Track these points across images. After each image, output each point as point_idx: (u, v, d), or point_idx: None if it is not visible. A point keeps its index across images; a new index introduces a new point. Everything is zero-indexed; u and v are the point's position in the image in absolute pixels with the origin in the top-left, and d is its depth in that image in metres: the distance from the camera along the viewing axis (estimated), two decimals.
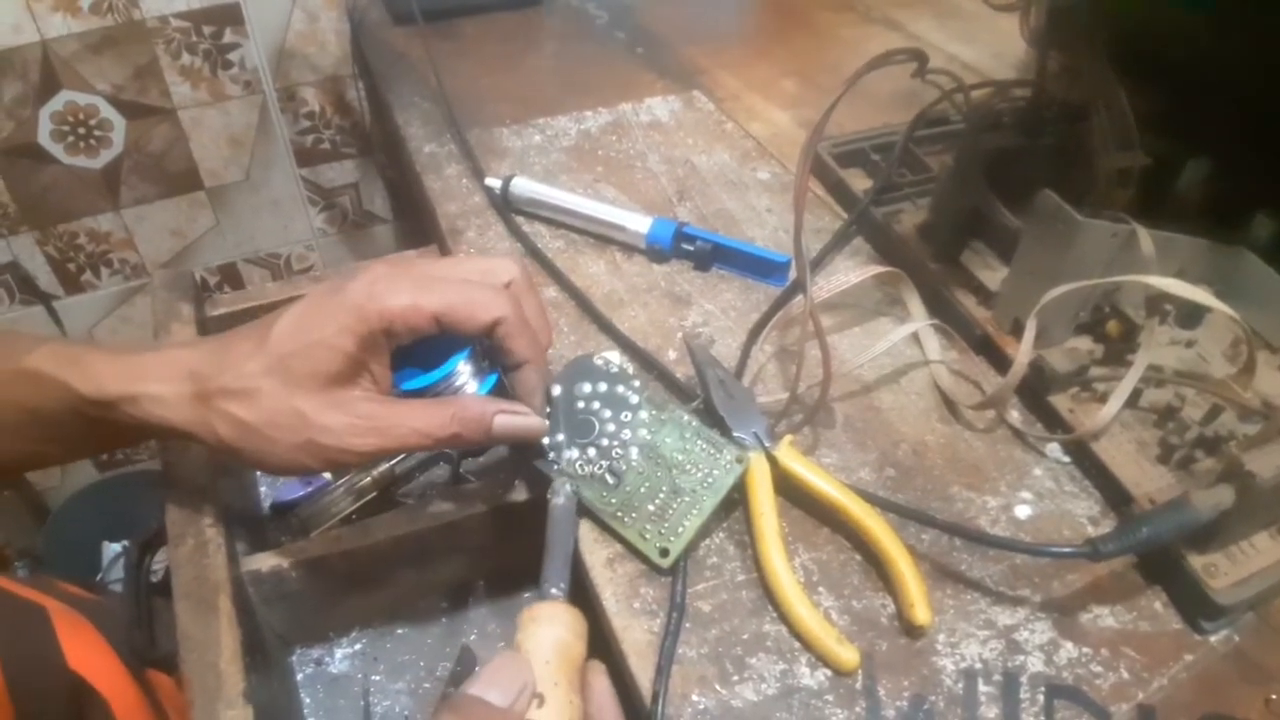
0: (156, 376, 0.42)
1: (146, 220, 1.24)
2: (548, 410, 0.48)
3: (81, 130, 1.13)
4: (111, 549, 1.37)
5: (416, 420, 0.43)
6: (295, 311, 0.42)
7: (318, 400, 0.41)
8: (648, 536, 0.45)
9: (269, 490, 0.68)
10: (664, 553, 0.45)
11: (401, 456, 0.65)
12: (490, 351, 0.46)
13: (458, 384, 0.46)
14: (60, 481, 1.45)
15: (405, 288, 0.42)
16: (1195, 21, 0.54)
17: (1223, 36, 0.53)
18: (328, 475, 0.67)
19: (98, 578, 1.33)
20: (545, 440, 0.48)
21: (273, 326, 0.42)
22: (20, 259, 1.21)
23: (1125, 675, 0.42)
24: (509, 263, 0.47)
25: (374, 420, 0.42)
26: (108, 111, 1.13)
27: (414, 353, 0.46)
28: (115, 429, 0.43)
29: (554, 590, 0.41)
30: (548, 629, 0.38)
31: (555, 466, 0.48)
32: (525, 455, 0.49)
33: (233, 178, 1.25)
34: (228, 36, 1.13)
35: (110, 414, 0.42)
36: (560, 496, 0.46)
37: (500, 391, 0.47)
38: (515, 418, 0.45)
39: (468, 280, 0.44)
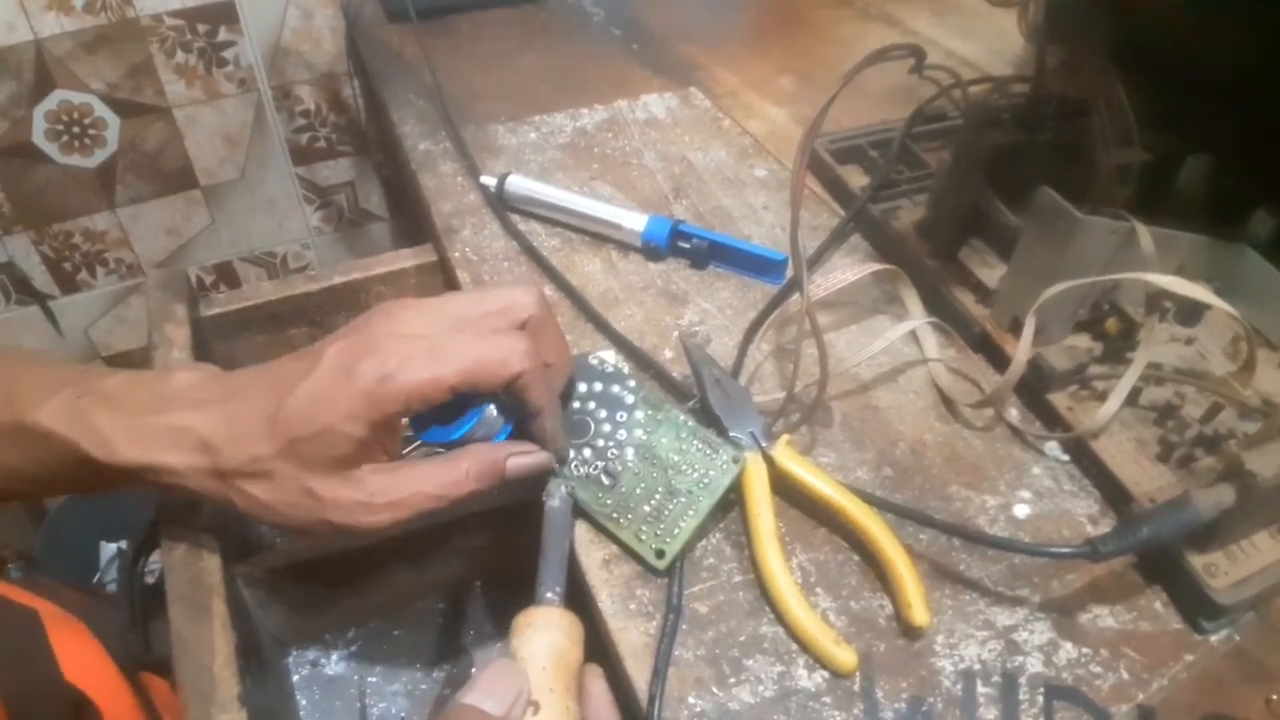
0: (169, 445, 0.41)
1: (142, 219, 1.23)
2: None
3: (76, 129, 1.13)
4: (109, 549, 1.37)
5: (429, 484, 0.42)
6: (306, 389, 0.40)
7: (330, 481, 0.41)
8: (643, 538, 0.45)
9: None
10: (660, 554, 0.44)
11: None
12: (507, 399, 0.45)
13: (479, 435, 0.45)
14: None
15: (419, 363, 0.40)
16: (1194, 17, 0.54)
17: (1222, 32, 0.53)
18: None
19: (95, 579, 1.32)
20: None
21: (283, 403, 0.40)
22: (15, 259, 1.20)
23: (1125, 676, 0.41)
24: (527, 296, 0.45)
25: (388, 494, 0.42)
26: (102, 110, 1.12)
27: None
28: (126, 483, 0.43)
29: (549, 594, 0.40)
30: (543, 634, 0.38)
31: (552, 469, 0.47)
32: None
33: (228, 176, 1.24)
34: (222, 34, 1.12)
35: (123, 478, 0.42)
36: (555, 499, 0.45)
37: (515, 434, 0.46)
38: (527, 458, 0.45)
39: (481, 334, 0.42)
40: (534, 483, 0.46)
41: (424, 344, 0.41)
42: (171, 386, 0.44)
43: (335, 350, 0.41)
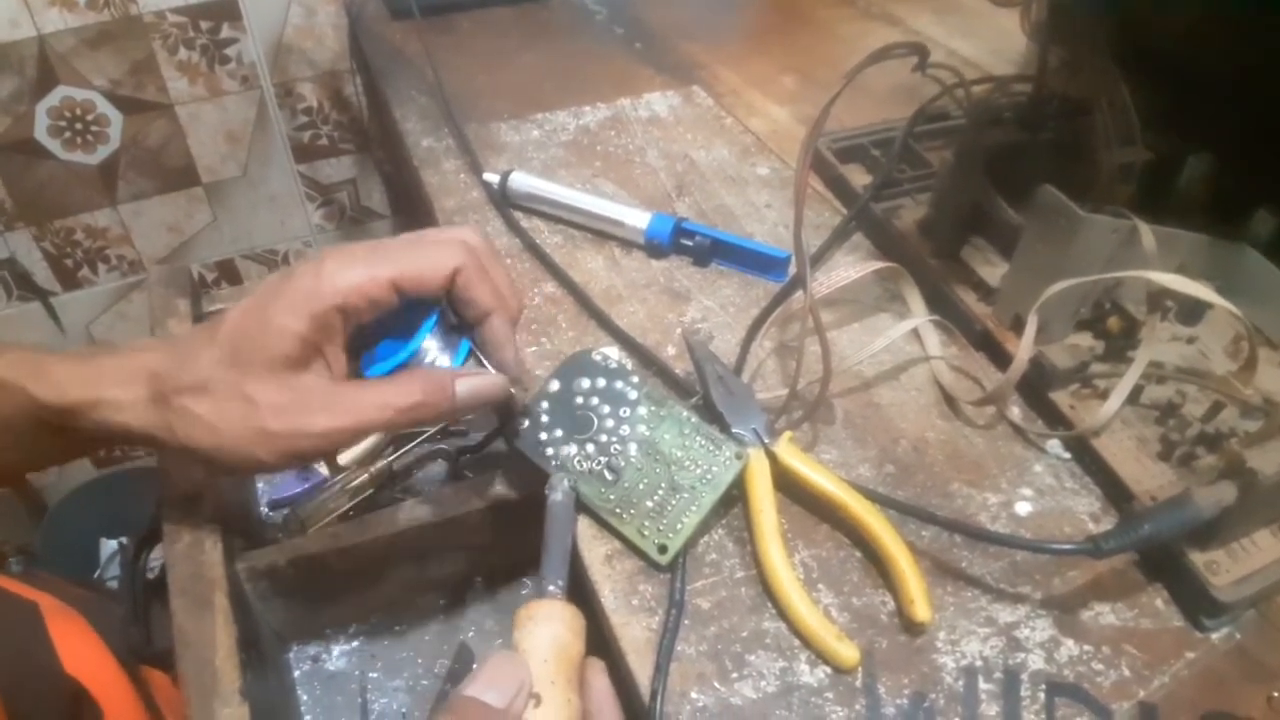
0: (115, 380, 0.41)
1: (143, 216, 1.24)
2: (533, 393, 0.47)
3: (78, 126, 1.13)
4: (109, 546, 1.37)
5: (374, 394, 0.41)
6: (247, 300, 0.41)
7: (268, 385, 0.40)
8: (646, 533, 0.45)
9: (265, 488, 0.68)
10: (662, 549, 0.45)
11: (398, 453, 0.65)
12: (455, 309, 0.44)
13: (427, 360, 0.44)
14: (57, 479, 1.45)
15: (357, 262, 0.41)
16: (1196, 16, 0.54)
17: (1224, 32, 0.53)
18: (324, 471, 0.67)
19: (95, 575, 1.33)
20: (528, 423, 0.48)
21: (225, 317, 0.41)
22: (17, 255, 1.21)
23: (1126, 673, 0.42)
24: (467, 229, 0.45)
25: (328, 398, 0.41)
26: (104, 107, 1.13)
27: (384, 332, 0.44)
28: (77, 436, 0.43)
29: (551, 587, 0.40)
30: (545, 627, 0.38)
31: (554, 463, 0.48)
32: (505, 435, 0.49)
33: (230, 173, 1.24)
34: (225, 31, 1.12)
35: (71, 421, 0.41)
36: (558, 492, 0.45)
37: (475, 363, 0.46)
38: (476, 379, 0.43)
39: (419, 237, 0.43)
40: (530, 473, 0.46)
41: (362, 249, 0.42)
42: (129, 343, 0.44)
43: (276, 271, 0.42)
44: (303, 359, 0.41)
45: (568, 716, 0.36)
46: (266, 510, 0.66)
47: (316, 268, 0.40)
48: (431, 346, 0.44)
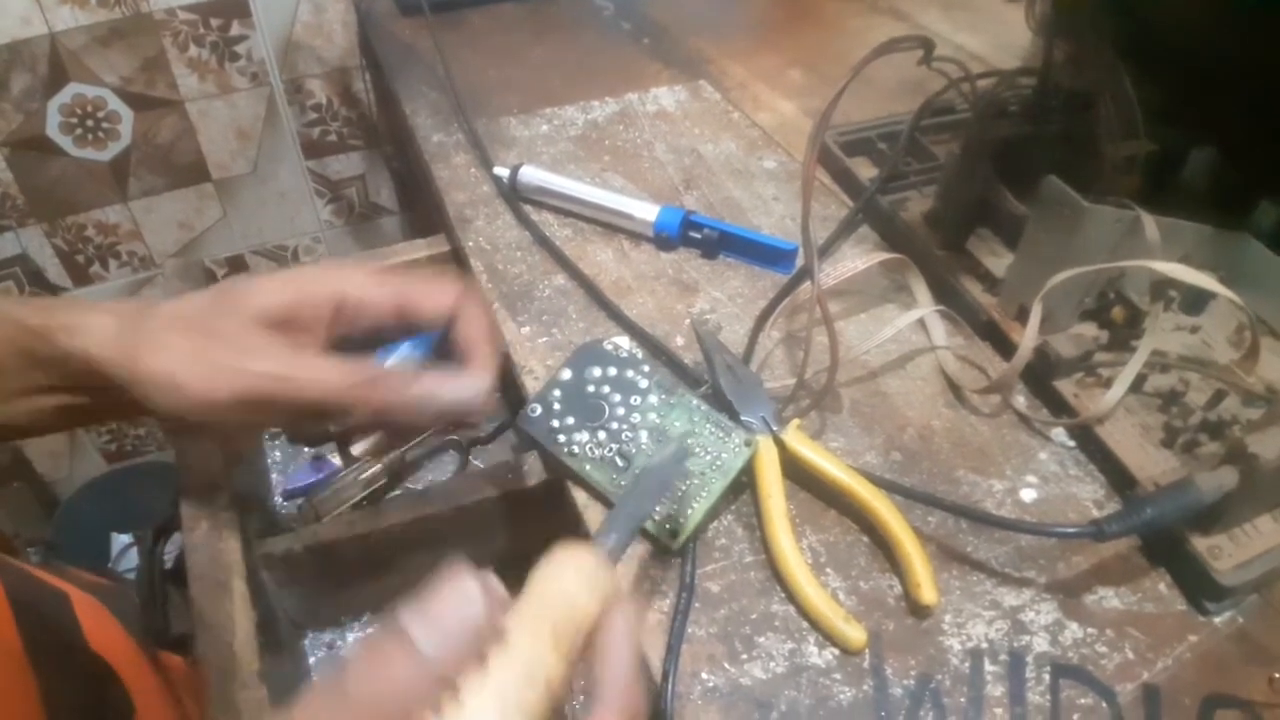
0: (103, 310, 0.42)
1: (154, 212, 1.25)
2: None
3: (90, 123, 1.14)
4: (120, 540, 1.38)
5: (324, 362, 0.41)
6: (244, 275, 0.43)
7: (235, 325, 0.40)
8: (657, 518, 0.46)
9: (280, 478, 0.69)
10: (673, 534, 0.45)
11: (411, 444, 0.66)
12: (446, 348, 0.44)
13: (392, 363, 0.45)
14: (69, 473, 1.46)
15: (369, 272, 0.43)
16: (1199, 9, 0.54)
17: (1227, 24, 0.53)
18: (337, 462, 0.68)
19: (107, 567, 1.34)
20: (540, 410, 0.49)
21: (228, 279, 0.43)
22: (29, 251, 1.22)
23: (1130, 655, 0.42)
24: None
25: (282, 350, 0.40)
26: (115, 104, 1.14)
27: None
28: (51, 367, 0.42)
29: (603, 539, 0.35)
30: (557, 571, 0.31)
31: (566, 450, 0.48)
32: (516, 424, 0.49)
33: (240, 170, 1.25)
34: (235, 29, 1.13)
35: (45, 347, 0.42)
36: (659, 457, 0.42)
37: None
38: (443, 380, 0.42)
39: (426, 275, 0.44)
40: (550, 466, 0.47)
41: (380, 269, 0.44)
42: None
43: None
44: (279, 324, 0.41)
45: (532, 675, 0.28)
46: (281, 500, 0.67)
47: (331, 264, 0.42)
48: (411, 351, 0.45)
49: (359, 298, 0.42)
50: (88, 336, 0.41)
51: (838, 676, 0.41)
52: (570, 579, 0.31)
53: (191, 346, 0.40)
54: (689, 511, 0.46)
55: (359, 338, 0.43)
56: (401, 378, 0.41)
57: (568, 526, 0.49)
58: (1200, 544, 0.44)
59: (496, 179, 0.72)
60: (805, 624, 0.43)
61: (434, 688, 0.27)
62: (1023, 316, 0.54)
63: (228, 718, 0.42)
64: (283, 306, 0.41)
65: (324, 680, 0.27)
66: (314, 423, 0.46)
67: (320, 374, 0.40)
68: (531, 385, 0.55)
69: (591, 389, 0.50)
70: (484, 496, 0.55)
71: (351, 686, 0.27)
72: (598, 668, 0.30)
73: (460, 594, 0.29)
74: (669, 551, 0.46)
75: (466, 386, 0.42)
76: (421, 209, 1.25)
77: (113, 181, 1.20)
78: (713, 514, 0.47)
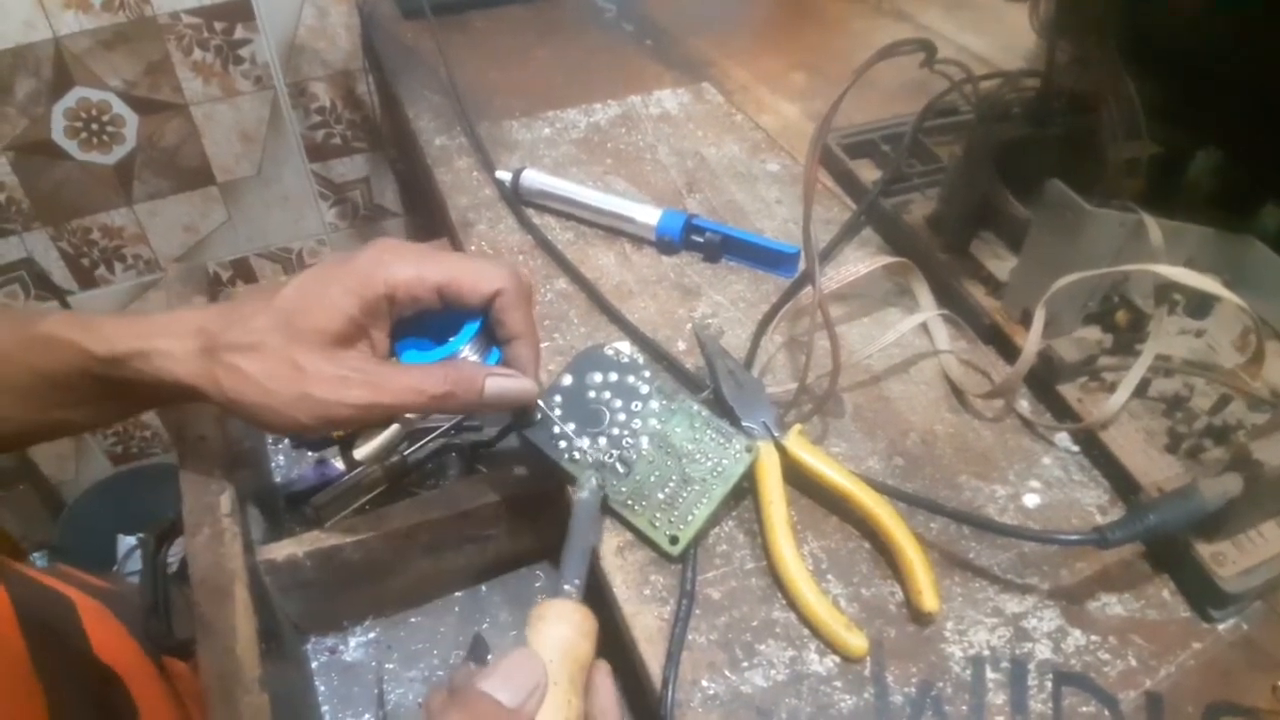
0: (166, 333, 0.43)
1: (159, 215, 1.25)
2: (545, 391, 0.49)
3: (94, 126, 1.14)
4: (126, 542, 1.38)
5: (409, 378, 0.43)
6: (304, 275, 0.44)
7: (316, 355, 0.42)
8: (657, 524, 0.46)
9: (283, 481, 0.69)
10: (674, 540, 0.45)
11: (414, 447, 0.66)
12: (489, 327, 0.47)
13: (461, 357, 0.47)
14: (75, 475, 1.47)
15: (411, 259, 0.44)
16: (1203, 11, 0.54)
17: (1231, 26, 0.53)
18: (340, 465, 0.68)
19: (113, 569, 1.34)
20: (540, 416, 0.49)
21: (281, 289, 0.43)
22: (35, 255, 1.22)
23: (1133, 663, 0.42)
24: (515, 266, 0.48)
25: (367, 375, 0.43)
26: (120, 108, 1.14)
27: (421, 329, 0.47)
28: (126, 387, 0.44)
29: (567, 586, 0.40)
30: (554, 628, 0.38)
31: (566, 456, 0.48)
32: (518, 425, 0.50)
33: (244, 173, 1.25)
34: (239, 32, 1.13)
35: (120, 372, 0.43)
36: (585, 490, 0.46)
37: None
38: (507, 380, 0.45)
39: (471, 257, 0.46)
40: (545, 467, 0.47)
41: (417, 249, 0.45)
42: (175, 308, 0.47)
43: (333, 254, 0.45)
44: (349, 337, 0.43)
45: (566, 718, 0.35)
46: (284, 504, 0.67)
47: (375, 257, 0.44)
48: (468, 351, 0.47)
49: (408, 290, 0.44)
50: (169, 362, 0.43)
51: (839, 684, 0.41)
52: (570, 632, 0.37)
53: (279, 379, 0.42)
54: (689, 518, 0.45)
55: (410, 317, 0.46)
56: (472, 380, 0.44)
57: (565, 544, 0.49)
58: (1204, 550, 0.43)
59: (499, 182, 0.72)
60: (806, 631, 0.43)
61: None
62: (1026, 320, 0.54)
63: None
64: (348, 322, 0.43)
65: None
66: None
67: (404, 396, 0.43)
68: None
69: (592, 394, 0.50)
70: (485, 501, 0.55)
71: None
72: (591, 707, 0.37)
73: (527, 658, 0.36)
74: (670, 558, 0.46)
75: (528, 386, 0.46)
76: (425, 211, 1.25)
77: (117, 185, 1.20)
78: (713, 520, 0.47)
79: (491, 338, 0.47)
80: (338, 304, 0.42)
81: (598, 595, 0.43)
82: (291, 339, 0.42)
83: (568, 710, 0.35)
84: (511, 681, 0.35)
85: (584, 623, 0.38)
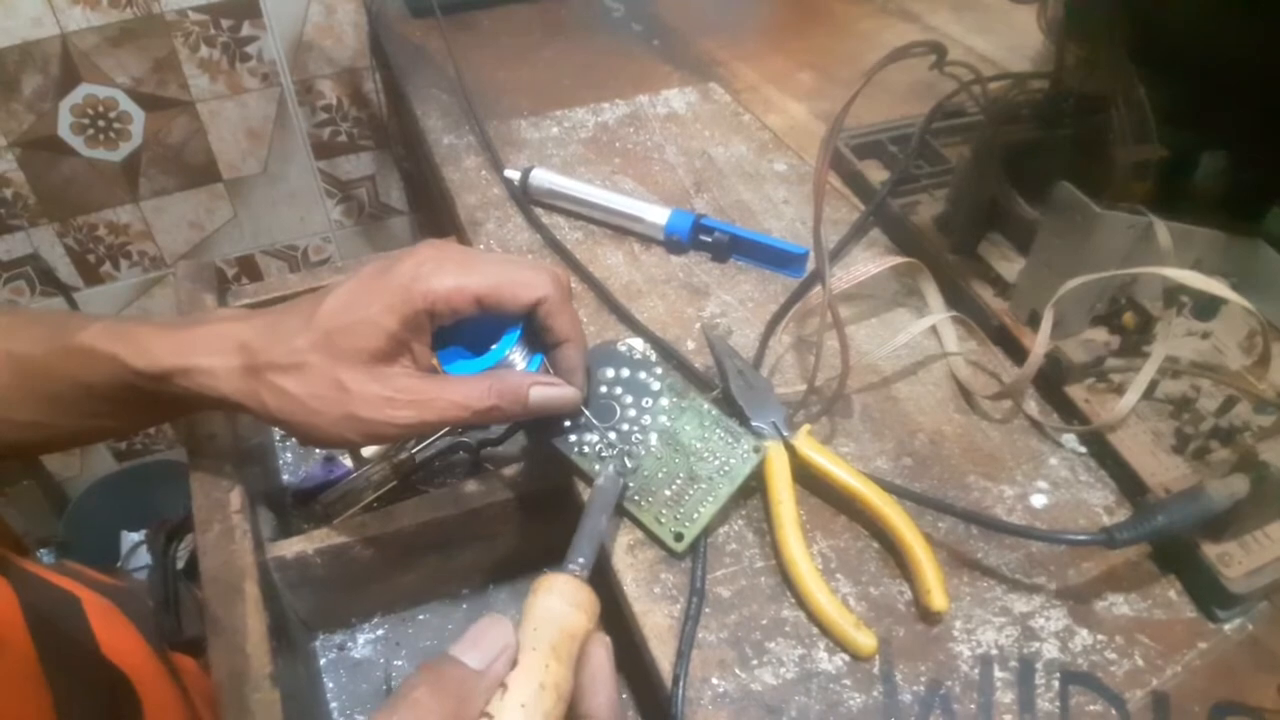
0: (208, 349, 0.43)
1: (165, 212, 1.25)
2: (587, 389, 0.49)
3: (101, 123, 1.14)
4: (130, 538, 1.39)
5: (454, 393, 0.44)
6: (344, 289, 0.43)
7: (360, 374, 0.42)
8: (663, 521, 0.46)
9: (291, 479, 0.69)
10: (678, 537, 0.45)
11: (421, 444, 0.66)
12: (532, 331, 0.47)
13: (506, 364, 0.47)
14: (79, 471, 1.47)
15: (450, 269, 0.43)
16: (1212, 13, 0.54)
17: (1240, 28, 0.53)
18: (348, 463, 0.68)
19: (117, 565, 1.34)
20: (567, 422, 0.49)
21: (321, 303, 0.43)
22: (40, 250, 1.22)
23: (1140, 662, 0.42)
24: (555, 267, 0.48)
25: (413, 394, 0.43)
26: (127, 104, 1.14)
27: (462, 335, 0.47)
28: (168, 400, 0.44)
29: (572, 565, 0.40)
30: (544, 598, 0.37)
31: (576, 451, 0.48)
32: (548, 433, 0.50)
33: (250, 170, 1.26)
34: (246, 29, 1.13)
35: (163, 386, 0.43)
36: (602, 477, 0.46)
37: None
38: (551, 389, 0.46)
39: (510, 260, 0.45)
40: (556, 464, 0.47)
41: (457, 257, 0.44)
42: (214, 313, 0.47)
43: (376, 261, 0.45)
44: (391, 354, 0.43)
45: (541, 681, 0.34)
46: (291, 502, 0.68)
47: (414, 269, 0.43)
48: (513, 357, 0.47)
49: (448, 303, 0.43)
50: (212, 379, 0.43)
51: (848, 682, 0.41)
52: (556, 602, 0.37)
53: (324, 399, 0.42)
54: (695, 516, 0.46)
55: (450, 326, 0.46)
56: (516, 391, 0.44)
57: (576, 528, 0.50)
58: (1211, 551, 0.43)
59: (507, 181, 0.72)
60: (815, 630, 0.43)
61: (486, 693, 0.33)
62: (1034, 322, 0.54)
63: None
64: (389, 339, 0.43)
65: (391, 701, 0.32)
66: None
67: (450, 412, 0.43)
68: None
69: (604, 389, 0.50)
70: (495, 499, 0.55)
71: (423, 697, 0.32)
72: (581, 676, 0.36)
73: (494, 623, 0.35)
74: (675, 555, 0.46)
75: (573, 394, 0.47)
76: (432, 210, 1.25)
77: (124, 181, 1.20)
78: (720, 519, 0.47)
79: (532, 342, 0.47)
80: (378, 321, 0.42)
81: (608, 593, 0.43)
82: (334, 358, 0.42)
83: (543, 674, 0.35)
84: (478, 646, 0.34)
85: (576, 594, 0.38)
